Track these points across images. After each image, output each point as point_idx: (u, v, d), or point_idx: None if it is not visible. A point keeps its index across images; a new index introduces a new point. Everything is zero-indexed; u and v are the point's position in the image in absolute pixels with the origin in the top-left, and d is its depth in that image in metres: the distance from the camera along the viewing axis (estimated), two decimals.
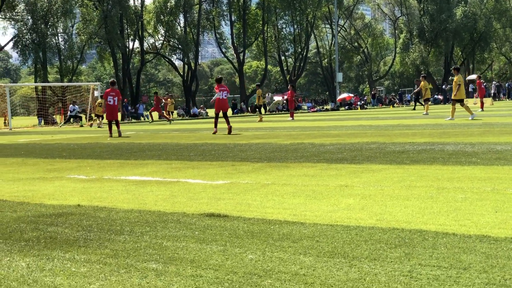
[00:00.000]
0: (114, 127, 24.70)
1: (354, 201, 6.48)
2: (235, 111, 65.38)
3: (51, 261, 4.52)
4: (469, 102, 53.66)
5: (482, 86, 40.87)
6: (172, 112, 49.18)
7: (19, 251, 4.91)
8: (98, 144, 19.14)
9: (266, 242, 4.82)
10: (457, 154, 10.85)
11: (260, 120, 36.61)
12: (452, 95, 26.28)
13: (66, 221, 6.09)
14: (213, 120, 23.64)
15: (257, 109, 39.41)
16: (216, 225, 5.57)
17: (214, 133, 22.55)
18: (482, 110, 36.67)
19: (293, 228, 5.28)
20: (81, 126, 44.47)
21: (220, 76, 24.81)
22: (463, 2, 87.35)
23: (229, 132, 22.05)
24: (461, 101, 25.61)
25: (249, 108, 68.99)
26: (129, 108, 59.94)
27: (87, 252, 4.76)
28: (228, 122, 22.59)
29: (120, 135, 23.84)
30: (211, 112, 67.78)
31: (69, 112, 47.20)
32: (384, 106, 73.70)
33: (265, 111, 39.15)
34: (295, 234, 5.06)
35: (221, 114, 22.56)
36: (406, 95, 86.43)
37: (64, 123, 45.20)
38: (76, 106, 46.87)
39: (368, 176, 8.41)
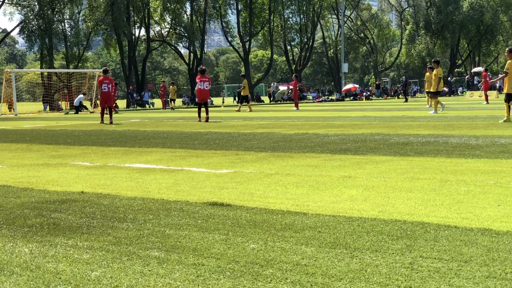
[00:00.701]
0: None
1: (357, 192, 6.49)
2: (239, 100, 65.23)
3: (54, 248, 4.54)
4: (475, 94, 53.56)
5: (488, 79, 40.59)
6: (174, 100, 48.98)
7: (22, 237, 4.93)
8: (103, 131, 19.17)
9: (268, 232, 4.84)
10: (461, 146, 10.85)
11: (246, 110, 36.34)
12: (432, 88, 26.05)
13: (70, 207, 6.12)
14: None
15: (244, 100, 38.89)
16: (219, 214, 5.59)
17: (199, 121, 23.90)
18: (487, 102, 36.56)
19: (296, 218, 5.30)
20: (92, 112, 44.53)
21: (203, 67, 25.79)
22: None
23: (206, 121, 23.65)
24: (438, 94, 25.68)
25: (254, 97, 68.93)
26: (135, 95, 59.93)
27: (90, 239, 4.78)
28: (207, 112, 24.04)
29: (111, 123, 24.29)
30: (217, 101, 67.74)
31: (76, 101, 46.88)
32: (389, 97, 73.55)
33: (247, 102, 38.29)
34: (298, 224, 5.07)
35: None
36: (413, 86, 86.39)
37: (76, 112, 45.09)
38: (82, 96, 46.74)
39: (371, 168, 8.42)
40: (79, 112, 43.85)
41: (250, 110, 36.22)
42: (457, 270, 3.69)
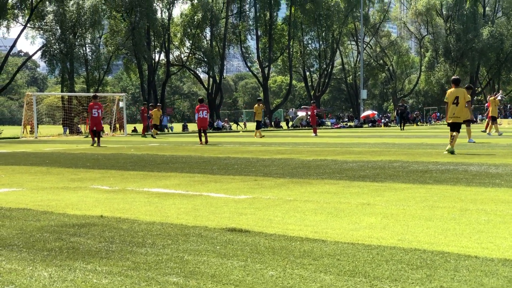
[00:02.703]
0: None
1: (375, 220, 6.46)
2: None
3: (73, 272, 4.56)
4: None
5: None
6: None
7: (42, 260, 4.95)
8: (122, 155, 19.26)
9: (287, 259, 4.82)
10: (480, 175, 10.78)
11: (261, 136, 35.08)
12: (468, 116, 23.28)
13: (89, 231, 6.14)
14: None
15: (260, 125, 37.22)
16: (238, 240, 5.58)
17: (200, 143, 26.45)
18: (485, 131, 36.42)
19: (314, 246, 5.28)
20: (112, 135, 44.80)
21: (201, 97, 29.96)
22: (490, 22, 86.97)
23: (206, 143, 26.40)
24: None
25: (272, 123, 69.06)
26: None
27: (108, 264, 4.79)
28: (205, 137, 26.83)
29: (99, 145, 26.41)
30: (235, 126, 67.89)
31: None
32: (408, 124, 73.27)
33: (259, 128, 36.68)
34: (316, 252, 5.05)
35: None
36: (437, 113, 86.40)
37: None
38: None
39: (390, 195, 8.38)
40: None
41: (261, 136, 35.04)
42: None
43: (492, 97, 32.11)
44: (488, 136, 28.07)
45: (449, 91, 17.33)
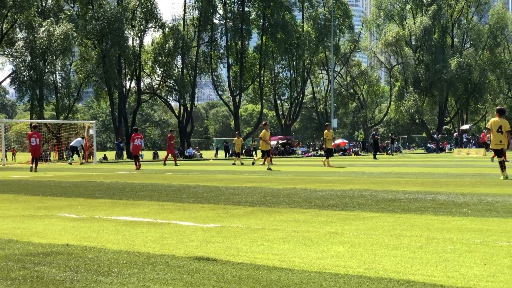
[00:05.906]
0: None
1: (343, 249, 6.48)
2: (230, 154, 65.37)
3: None
4: (463, 152, 53.64)
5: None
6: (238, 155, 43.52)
7: None
8: (90, 183, 19.10)
9: None
10: (448, 204, 10.88)
11: (329, 165, 30.73)
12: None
13: (54, 260, 6.06)
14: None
15: (329, 154, 32.33)
16: (205, 269, 5.56)
17: (136, 169, 30.11)
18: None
19: (281, 274, 5.27)
20: (81, 163, 44.41)
21: (136, 127, 35.13)
22: (458, 53, 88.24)
23: (138, 169, 30.40)
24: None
25: (243, 151, 69.05)
26: (121, 145, 59.88)
27: None
28: (138, 163, 31.23)
29: (36, 170, 29.26)
30: (206, 154, 67.72)
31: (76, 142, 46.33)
32: (378, 153, 73.71)
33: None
34: (283, 281, 5.04)
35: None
36: (406, 143, 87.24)
37: (72, 155, 45.27)
38: (81, 139, 46.70)
39: (358, 224, 8.41)
40: (73, 156, 44.01)
41: (329, 166, 30.62)
42: None
43: None
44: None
45: (492, 120, 18.42)
